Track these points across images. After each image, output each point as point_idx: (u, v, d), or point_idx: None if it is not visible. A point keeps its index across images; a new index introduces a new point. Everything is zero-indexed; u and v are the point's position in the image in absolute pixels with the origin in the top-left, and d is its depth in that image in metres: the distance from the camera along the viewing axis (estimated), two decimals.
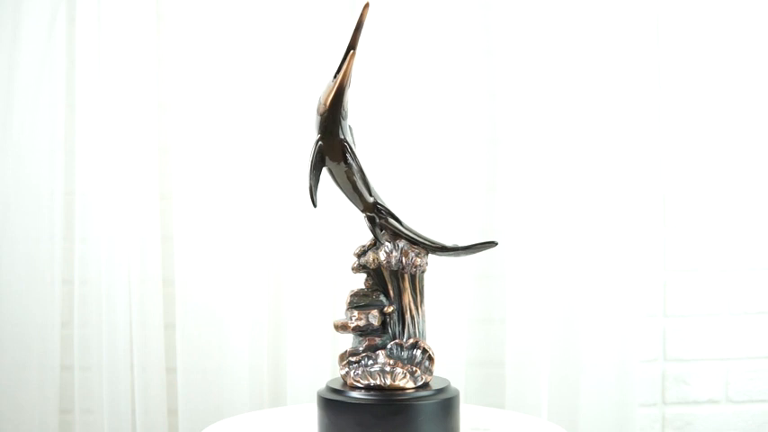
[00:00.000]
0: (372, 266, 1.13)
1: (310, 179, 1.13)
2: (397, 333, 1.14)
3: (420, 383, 1.14)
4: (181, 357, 1.66)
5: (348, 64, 1.09)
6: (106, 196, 1.67)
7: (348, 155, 1.12)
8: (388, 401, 1.10)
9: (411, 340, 1.14)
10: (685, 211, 1.74)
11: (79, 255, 1.71)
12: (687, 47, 1.73)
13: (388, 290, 1.14)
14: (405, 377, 1.12)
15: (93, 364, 1.70)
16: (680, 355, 1.75)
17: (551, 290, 1.67)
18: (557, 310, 1.68)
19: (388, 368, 1.12)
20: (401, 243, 1.14)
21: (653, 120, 1.73)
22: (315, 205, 1.12)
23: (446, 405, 1.11)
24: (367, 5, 1.10)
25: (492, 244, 1.18)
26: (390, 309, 1.14)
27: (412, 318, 1.14)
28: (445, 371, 1.57)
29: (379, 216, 1.14)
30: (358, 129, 1.60)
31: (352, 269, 1.16)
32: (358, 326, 1.12)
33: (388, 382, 1.12)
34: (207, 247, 1.67)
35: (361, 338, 1.14)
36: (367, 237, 1.19)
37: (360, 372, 1.12)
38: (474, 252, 1.19)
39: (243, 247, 1.66)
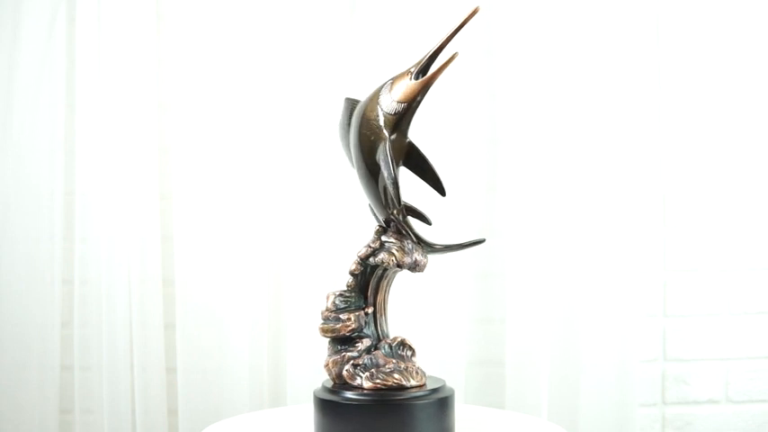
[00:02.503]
0: (389, 266, 1.12)
1: (396, 178, 1.08)
2: (372, 332, 1.13)
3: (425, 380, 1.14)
4: (181, 357, 1.66)
5: (445, 65, 1.06)
6: (106, 196, 1.67)
7: (419, 155, 1.11)
8: (386, 401, 1.09)
9: (398, 338, 1.13)
10: (685, 211, 1.74)
11: (79, 255, 1.71)
12: (687, 47, 1.73)
13: (366, 290, 1.14)
14: (418, 374, 1.12)
15: (93, 364, 1.70)
16: (680, 355, 1.74)
17: (551, 289, 1.66)
18: (557, 310, 1.67)
19: (402, 367, 1.12)
20: (409, 243, 1.14)
21: (653, 120, 1.72)
22: (400, 204, 1.09)
23: (442, 404, 1.11)
24: (477, 9, 1.08)
25: (480, 242, 1.18)
26: (371, 309, 1.13)
27: (383, 316, 1.14)
28: (445, 370, 1.58)
29: (403, 216, 1.12)
30: None
31: (351, 272, 1.14)
32: (353, 328, 1.12)
33: (411, 381, 1.11)
34: (207, 247, 1.67)
35: (347, 342, 1.12)
36: (365, 236, 1.18)
37: (377, 374, 1.10)
38: (462, 249, 1.18)
39: (243, 247, 1.66)
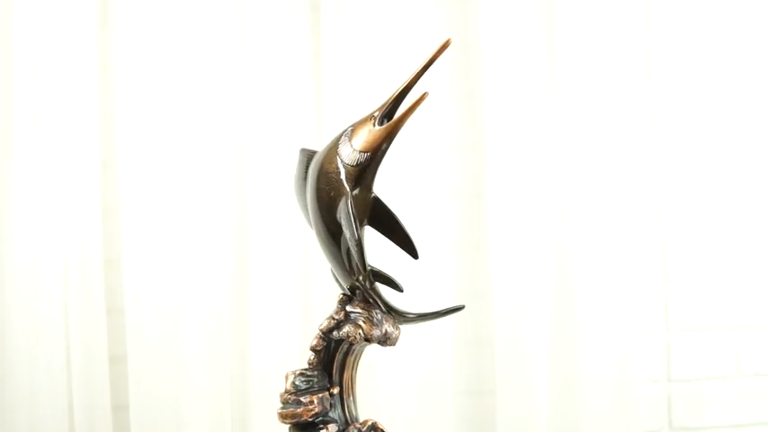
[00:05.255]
0: (355, 341, 0.96)
1: (360, 239, 0.93)
2: (338, 416, 0.97)
3: None
4: (135, 412, 1.50)
5: (413, 108, 0.93)
6: (43, 208, 1.48)
7: (387, 212, 0.97)
8: None
9: (368, 422, 0.98)
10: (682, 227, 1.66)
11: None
12: (679, 46, 1.66)
13: (331, 368, 0.98)
14: None
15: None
16: (686, 376, 1.65)
17: (545, 306, 1.55)
18: (552, 328, 1.57)
19: None
20: (378, 313, 0.97)
21: (648, 121, 1.65)
22: (365, 269, 0.94)
23: None
24: (448, 42, 0.94)
25: (459, 308, 1.04)
26: (336, 389, 0.97)
27: (350, 396, 0.99)
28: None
29: (370, 283, 0.97)
30: (336, 132, 1.48)
31: (313, 348, 0.98)
32: (315, 413, 0.95)
33: None
34: (160, 272, 1.50)
35: (310, 428, 0.96)
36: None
37: None
38: (441, 317, 1.04)
39: (201, 275, 1.50)
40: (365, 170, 0.94)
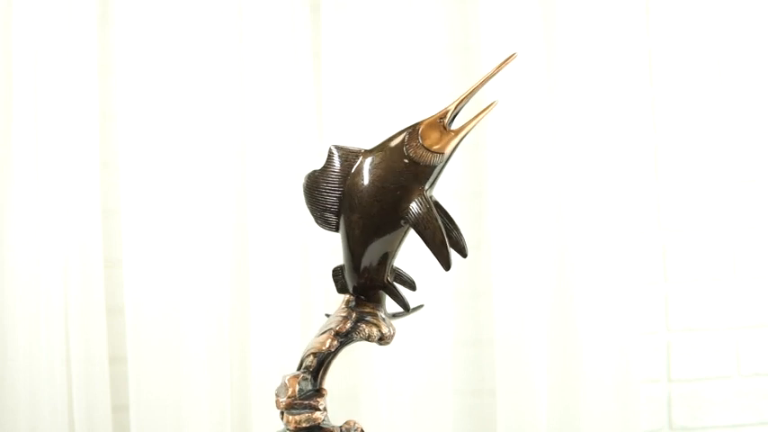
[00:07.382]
0: (372, 340, 0.96)
1: (443, 237, 0.93)
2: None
3: None
4: (134, 400, 1.50)
5: (483, 113, 0.95)
6: (43, 209, 1.48)
7: (444, 213, 0.97)
8: None
9: (351, 423, 0.97)
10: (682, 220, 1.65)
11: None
12: (679, 45, 1.65)
13: (320, 370, 0.98)
14: None
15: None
16: (685, 375, 1.64)
17: (545, 306, 1.55)
18: (552, 328, 1.56)
19: None
20: (382, 312, 0.97)
21: (648, 121, 1.65)
22: (448, 267, 0.94)
23: None
24: (514, 55, 0.96)
25: (420, 306, 1.04)
26: (326, 392, 0.97)
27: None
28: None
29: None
30: (336, 132, 1.49)
31: (327, 350, 0.97)
32: (325, 416, 0.95)
33: None
34: (160, 270, 1.50)
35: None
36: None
37: None
38: (407, 315, 1.04)
39: (200, 272, 1.50)
40: (434, 170, 0.95)
